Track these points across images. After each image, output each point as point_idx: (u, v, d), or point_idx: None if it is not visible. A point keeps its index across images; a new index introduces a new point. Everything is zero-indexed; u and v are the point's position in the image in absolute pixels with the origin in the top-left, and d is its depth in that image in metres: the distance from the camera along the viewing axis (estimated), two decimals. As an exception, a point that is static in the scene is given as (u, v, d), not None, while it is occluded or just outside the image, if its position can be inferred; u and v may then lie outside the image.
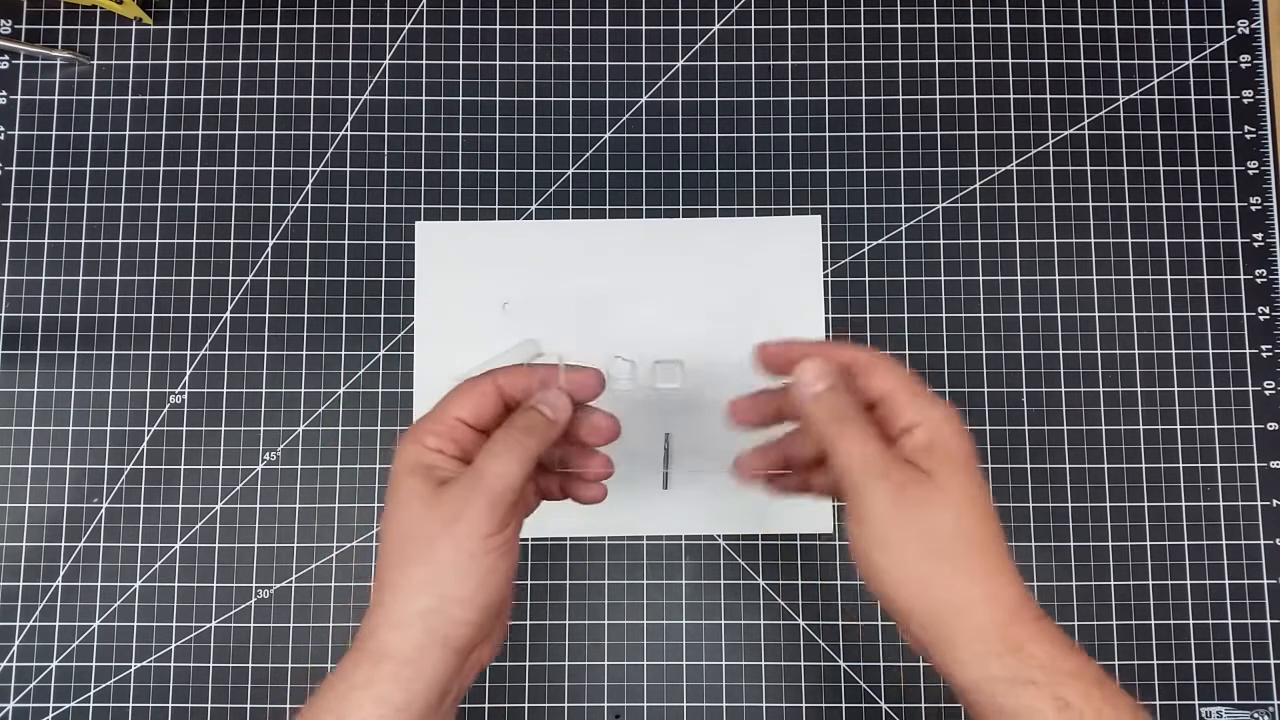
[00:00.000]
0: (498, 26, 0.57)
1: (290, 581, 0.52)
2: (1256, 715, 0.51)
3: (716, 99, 0.56)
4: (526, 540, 0.52)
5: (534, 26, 0.57)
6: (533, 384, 0.39)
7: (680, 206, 0.55)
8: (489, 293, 0.54)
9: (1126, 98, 0.56)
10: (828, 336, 0.54)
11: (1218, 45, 0.56)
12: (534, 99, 0.56)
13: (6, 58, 0.56)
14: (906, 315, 0.54)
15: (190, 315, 0.54)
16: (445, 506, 0.35)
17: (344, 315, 0.54)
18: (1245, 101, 0.56)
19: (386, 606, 0.35)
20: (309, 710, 0.36)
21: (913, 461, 0.35)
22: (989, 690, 0.33)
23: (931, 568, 0.34)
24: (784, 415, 0.41)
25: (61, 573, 0.52)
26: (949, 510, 0.34)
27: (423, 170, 0.55)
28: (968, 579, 0.34)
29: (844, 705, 0.51)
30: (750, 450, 0.43)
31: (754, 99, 0.56)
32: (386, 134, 0.56)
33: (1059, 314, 0.54)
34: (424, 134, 0.56)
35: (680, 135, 0.56)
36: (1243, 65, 0.56)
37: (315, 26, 0.57)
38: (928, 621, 0.34)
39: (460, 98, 0.56)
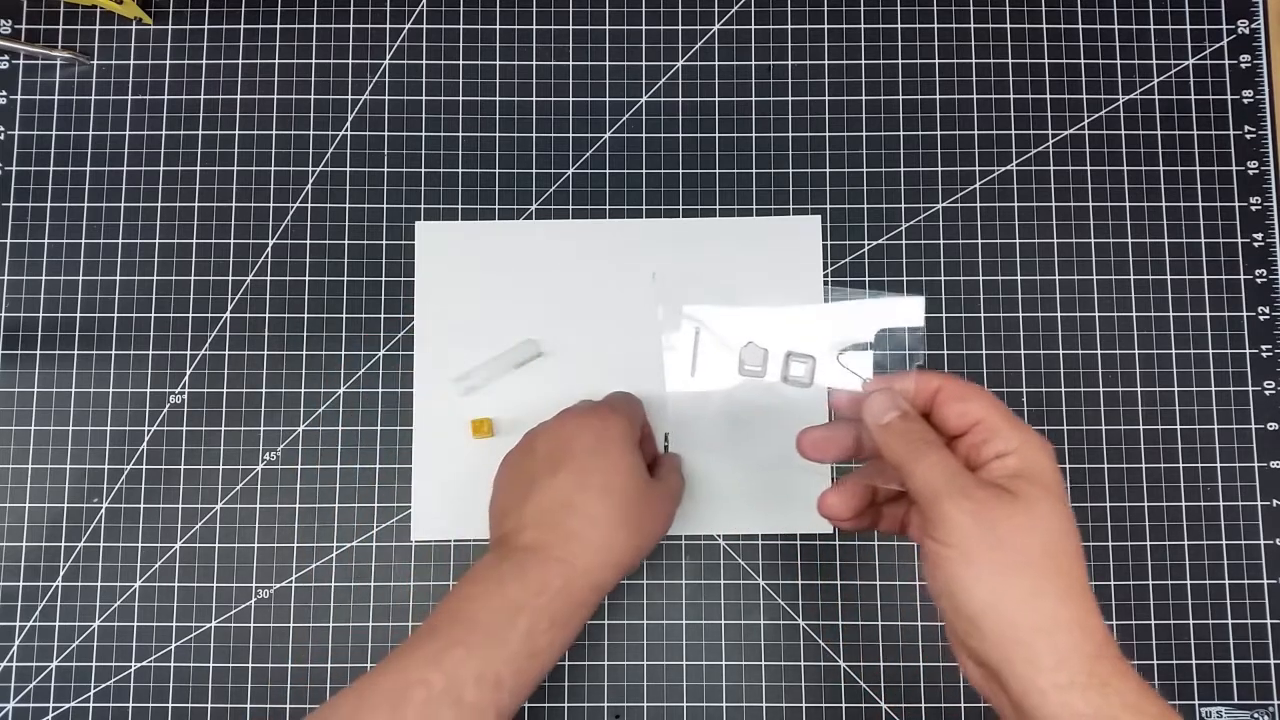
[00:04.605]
0: (498, 26, 0.57)
1: (290, 581, 0.52)
2: (1256, 715, 0.51)
3: (716, 99, 0.56)
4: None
5: (534, 26, 0.57)
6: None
7: (680, 206, 0.55)
8: (489, 293, 0.54)
9: (1126, 98, 0.56)
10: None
11: (1218, 45, 0.56)
12: (534, 99, 0.56)
13: (6, 58, 0.56)
14: (906, 315, 0.54)
15: (190, 315, 0.54)
16: (655, 493, 0.46)
17: (344, 315, 0.54)
18: (1245, 101, 0.56)
19: (595, 531, 0.43)
20: (471, 592, 0.41)
21: (999, 484, 0.34)
22: None
23: (1018, 584, 0.33)
24: (860, 451, 0.40)
25: (61, 573, 0.52)
26: (1037, 531, 0.33)
27: (423, 170, 0.55)
28: (1056, 601, 0.33)
29: (844, 705, 0.51)
30: (833, 487, 0.40)
31: (754, 99, 0.56)
32: (386, 134, 0.56)
33: (1059, 314, 0.54)
34: (424, 134, 0.56)
35: (680, 135, 0.56)
36: (1243, 65, 0.56)
37: (315, 26, 0.57)
38: (1008, 643, 0.33)
39: (460, 98, 0.56)
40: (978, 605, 0.33)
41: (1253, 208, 0.55)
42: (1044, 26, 0.57)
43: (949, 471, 0.34)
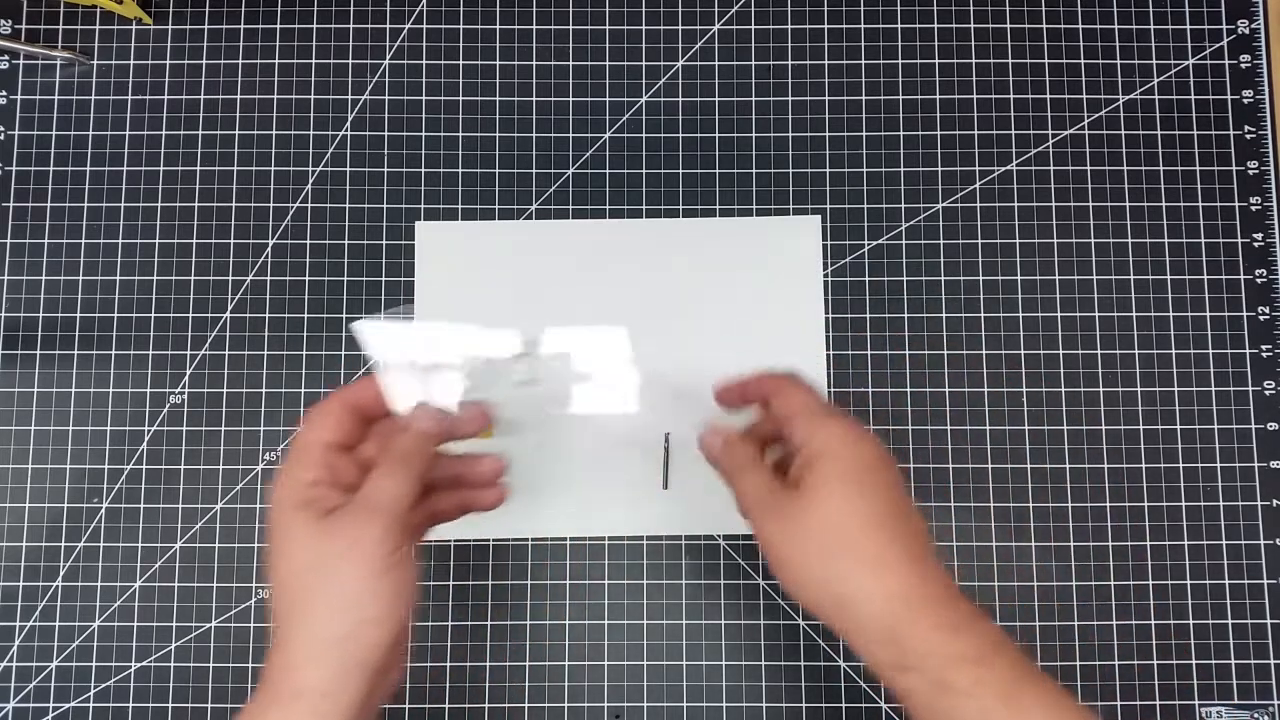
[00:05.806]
0: (498, 26, 0.57)
1: (290, 581, 0.52)
2: (1256, 715, 0.51)
3: (716, 99, 0.56)
4: (526, 540, 0.52)
5: (534, 26, 0.57)
6: (376, 391, 0.41)
7: (680, 206, 0.55)
8: (489, 293, 0.54)
9: (1126, 98, 0.56)
10: (828, 337, 0.54)
11: (1218, 45, 0.56)
12: (534, 99, 0.56)
13: (6, 58, 0.56)
14: (906, 315, 0.54)
15: (190, 315, 0.54)
16: (340, 533, 0.36)
17: (344, 315, 0.54)
18: (1245, 101, 0.56)
19: (296, 642, 0.35)
20: None
21: (797, 478, 0.39)
22: (885, 675, 0.37)
23: (821, 570, 0.37)
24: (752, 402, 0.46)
25: (61, 573, 0.52)
26: (817, 520, 0.37)
27: (423, 170, 0.55)
28: (851, 574, 0.37)
29: (844, 705, 0.51)
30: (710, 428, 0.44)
31: (754, 99, 0.56)
32: (386, 134, 0.56)
33: (1059, 314, 0.54)
34: (424, 134, 0.56)
35: (680, 135, 0.56)
36: (1243, 65, 0.56)
37: (315, 26, 0.57)
38: (834, 617, 0.38)
39: (460, 98, 0.56)
40: (802, 594, 0.38)
41: (1253, 208, 0.55)
42: (1044, 26, 0.57)
43: (759, 490, 0.39)
